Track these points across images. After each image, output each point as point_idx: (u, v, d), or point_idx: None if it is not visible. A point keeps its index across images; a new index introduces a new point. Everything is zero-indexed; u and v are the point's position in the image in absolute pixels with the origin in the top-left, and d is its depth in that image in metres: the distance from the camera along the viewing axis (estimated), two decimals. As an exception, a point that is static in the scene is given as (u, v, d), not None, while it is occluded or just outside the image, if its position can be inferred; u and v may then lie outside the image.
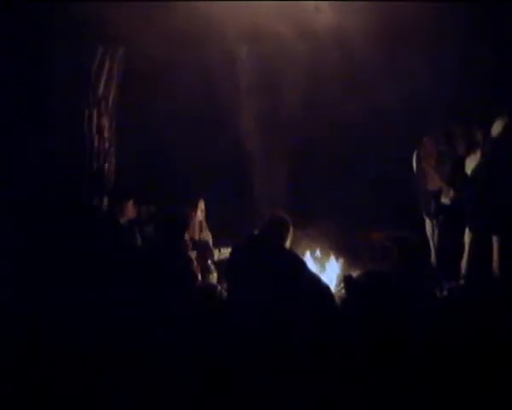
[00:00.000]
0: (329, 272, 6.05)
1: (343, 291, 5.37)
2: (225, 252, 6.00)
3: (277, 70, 6.52)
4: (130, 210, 5.92)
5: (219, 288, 5.58)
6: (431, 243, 6.00)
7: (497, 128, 5.35)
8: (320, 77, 6.44)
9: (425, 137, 5.98)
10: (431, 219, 5.96)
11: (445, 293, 5.23)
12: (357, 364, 4.59)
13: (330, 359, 4.62)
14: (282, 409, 4.29)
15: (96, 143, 6.25)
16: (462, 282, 5.38)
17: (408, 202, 6.10)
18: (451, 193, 5.76)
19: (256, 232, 5.59)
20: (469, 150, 5.67)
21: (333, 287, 5.61)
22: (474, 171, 5.48)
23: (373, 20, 5.93)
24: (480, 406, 4.09)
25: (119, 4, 5.58)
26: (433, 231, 5.96)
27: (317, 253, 6.17)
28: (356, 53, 6.21)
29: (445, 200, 5.83)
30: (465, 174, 5.61)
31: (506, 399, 4.06)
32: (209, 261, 5.93)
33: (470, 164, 5.58)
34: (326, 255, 6.19)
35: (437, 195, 5.89)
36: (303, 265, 5.32)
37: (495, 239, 5.23)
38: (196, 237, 5.99)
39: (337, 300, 5.23)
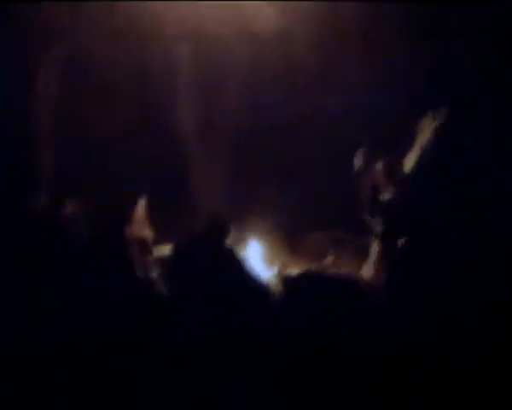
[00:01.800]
0: (267, 270, 6.07)
1: (281, 290, 5.36)
2: (165, 249, 5.97)
3: (218, 71, 6.50)
4: (70, 206, 5.87)
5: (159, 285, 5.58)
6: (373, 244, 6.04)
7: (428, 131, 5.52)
8: (261, 80, 6.42)
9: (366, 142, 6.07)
10: (372, 220, 6.01)
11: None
12: (293, 363, 4.65)
13: (267, 357, 4.67)
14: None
15: (33, 141, 6.17)
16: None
17: (351, 202, 6.12)
18: (390, 191, 5.84)
19: (196, 230, 5.64)
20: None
21: (271, 286, 5.66)
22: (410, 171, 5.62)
23: (316, 23, 5.99)
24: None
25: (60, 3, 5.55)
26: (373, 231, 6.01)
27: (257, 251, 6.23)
28: (297, 56, 6.24)
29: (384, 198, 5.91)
30: (402, 174, 5.73)
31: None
32: (149, 258, 5.90)
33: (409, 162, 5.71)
34: (265, 253, 6.24)
35: (376, 195, 5.95)
36: (242, 263, 5.41)
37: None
38: (137, 233, 5.93)
39: (275, 299, 5.27)
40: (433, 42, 6.04)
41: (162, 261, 5.84)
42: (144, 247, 5.90)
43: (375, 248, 5.91)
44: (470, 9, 5.78)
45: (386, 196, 5.88)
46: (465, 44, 5.87)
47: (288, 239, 6.43)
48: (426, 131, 5.57)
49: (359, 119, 6.28)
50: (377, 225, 5.93)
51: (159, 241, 6.03)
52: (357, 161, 6.08)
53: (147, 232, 6.04)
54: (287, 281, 5.38)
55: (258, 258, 6.18)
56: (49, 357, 4.74)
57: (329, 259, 5.95)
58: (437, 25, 6.01)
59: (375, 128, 6.10)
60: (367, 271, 5.82)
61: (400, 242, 5.56)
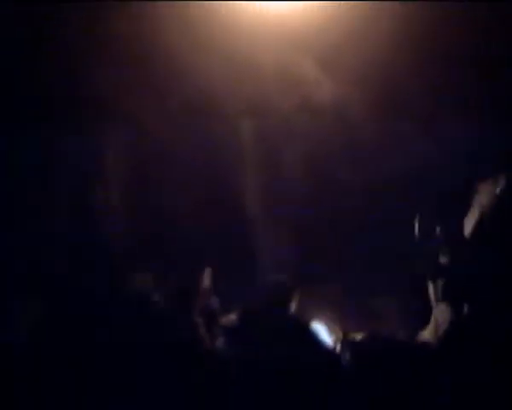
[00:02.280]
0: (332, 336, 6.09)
1: (346, 356, 5.38)
2: (232, 318, 6.08)
3: (278, 142, 6.70)
4: (141, 280, 6.08)
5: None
6: (434, 307, 6.02)
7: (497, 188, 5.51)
8: (321, 150, 6.62)
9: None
10: (433, 283, 6.01)
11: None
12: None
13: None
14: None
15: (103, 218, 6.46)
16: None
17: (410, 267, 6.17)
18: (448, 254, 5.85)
19: (261, 298, 5.73)
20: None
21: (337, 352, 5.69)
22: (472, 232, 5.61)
23: (373, 92, 6.17)
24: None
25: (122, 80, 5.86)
26: (436, 294, 6.00)
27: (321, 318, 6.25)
28: (357, 125, 6.40)
29: (443, 261, 5.92)
30: (461, 235, 5.74)
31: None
32: (216, 328, 6.01)
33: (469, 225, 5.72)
34: (329, 320, 6.26)
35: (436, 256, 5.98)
36: (308, 330, 5.44)
37: None
38: (203, 303, 6.07)
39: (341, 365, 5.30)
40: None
41: (228, 330, 5.99)
42: (211, 317, 6.06)
43: (437, 313, 5.92)
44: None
45: (445, 259, 5.90)
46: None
47: (354, 304, 6.47)
48: (486, 194, 5.58)
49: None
50: (438, 289, 5.95)
51: (225, 311, 6.19)
52: (419, 225, 6.16)
53: (213, 302, 6.20)
54: (352, 346, 5.38)
55: (324, 325, 6.22)
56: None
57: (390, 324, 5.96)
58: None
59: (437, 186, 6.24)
60: (429, 335, 5.82)
61: (460, 307, 5.55)
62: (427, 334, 5.86)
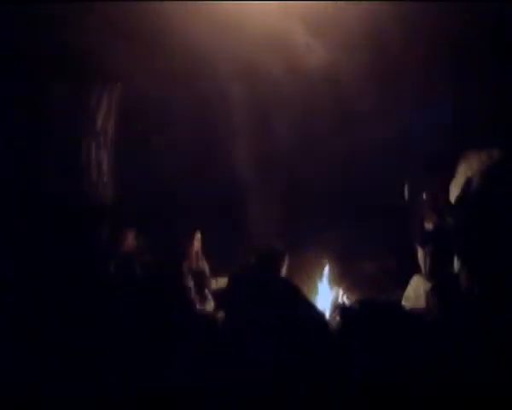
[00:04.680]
0: (324, 298, 6.21)
1: (337, 319, 5.44)
2: (222, 281, 6.10)
3: (269, 107, 6.68)
4: (130, 240, 6.06)
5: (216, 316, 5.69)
6: (423, 271, 6.12)
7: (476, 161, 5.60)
8: (311, 115, 6.64)
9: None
10: (422, 248, 6.09)
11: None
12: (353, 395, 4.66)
13: (326, 389, 4.69)
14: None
15: (94, 175, 6.40)
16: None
17: (399, 231, 6.23)
18: (437, 221, 5.93)
19: (252, 262, 5.75)
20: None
21: (327, 314, 5.76)
22: (459, 199, 5.68)
23: (364, 59, 6.13)
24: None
25: (119, 42, 5.76)
26: (424, 259, 6.10)
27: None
28: (346, 91, 6.37)
29: (432, 227, 6.00)
30: (450, 203, 5.81)
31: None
32: (206, 290, 6.04)
33: (455, 192, 5.80)
34: (321, 282, 6.37)
35: (426, 223, 6.06)
36: (298, 293, 5.46)
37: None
38: (193, 266, 6.09)
39: (332, 328, 5.35)
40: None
41: (219, 293, 6.04)
42: (201, 279, 6.09)
43: (423, 277, 6.04)
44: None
45: (431, 225, 5.99)
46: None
47: (343, 269, 6.54)
48: (472, 163, 5.66)
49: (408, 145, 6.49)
50: (426, 255, 6.04)
51: (215, 273, 6.23)
52: (406, 193, 6.26)
53: (203, 265, 6.22)
54: (344, 310, 5.43)
55: (314, 287, 6.32)
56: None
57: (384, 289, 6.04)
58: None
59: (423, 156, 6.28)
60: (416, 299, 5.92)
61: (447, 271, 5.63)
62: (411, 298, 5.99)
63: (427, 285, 5.86)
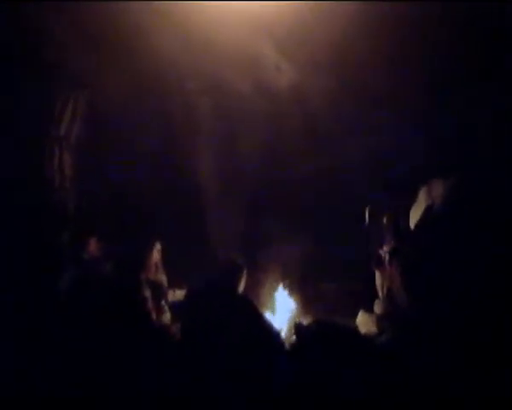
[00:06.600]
0: (282, 315, 6.23)
1: (293, 337, 5.45)
2: (179, 293, 6.07)
3: (236, 123, 6.72)
4: (92, 247, 5.99)
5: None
6: (380, 295, 6.17)
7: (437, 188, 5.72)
8: (279, 133, 6.69)
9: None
10: (380, 271, 6.15)
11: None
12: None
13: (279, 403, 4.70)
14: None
15: (57, 180, 6.31)
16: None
17: (358, 255, 6.30)
18: (396, 246, 6.00)
19: (210, 275, 5.73)
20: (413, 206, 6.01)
21: (283, 332, 5.77)
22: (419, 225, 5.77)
23: (333, 80, 6.19)
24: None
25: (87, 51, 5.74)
26: (382, 282, 6.15)
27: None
28: (315, 111, 6.43)
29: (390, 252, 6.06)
30: (408, 226, 5.92)
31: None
32: (163, 302, 5.99)
33: (414, 217, 5.90)
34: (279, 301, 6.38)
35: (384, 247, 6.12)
36: (255, 310, 5.47)
37: None
38: (152, 277, 6.03)
39: (287, 346, 5.36)
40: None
41: (176, 305, 5.99)
42: (159, 290, 6.03)
43: (380, 299, 6.09)
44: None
45: (390, 248, 6.05)
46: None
47: (302, 289, 6.56)
48: (435, 190, 5.76)
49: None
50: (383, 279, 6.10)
51: (173, 285, 6.18)
52: (367, 215, 6.33)
53: (162, 277, 6.17)
54: (298, 329, 5.45)
55: (273, 305, 6.32)
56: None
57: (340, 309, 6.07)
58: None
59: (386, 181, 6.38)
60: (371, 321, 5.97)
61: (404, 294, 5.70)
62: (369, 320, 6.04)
63: (382, 309, 5.94)
